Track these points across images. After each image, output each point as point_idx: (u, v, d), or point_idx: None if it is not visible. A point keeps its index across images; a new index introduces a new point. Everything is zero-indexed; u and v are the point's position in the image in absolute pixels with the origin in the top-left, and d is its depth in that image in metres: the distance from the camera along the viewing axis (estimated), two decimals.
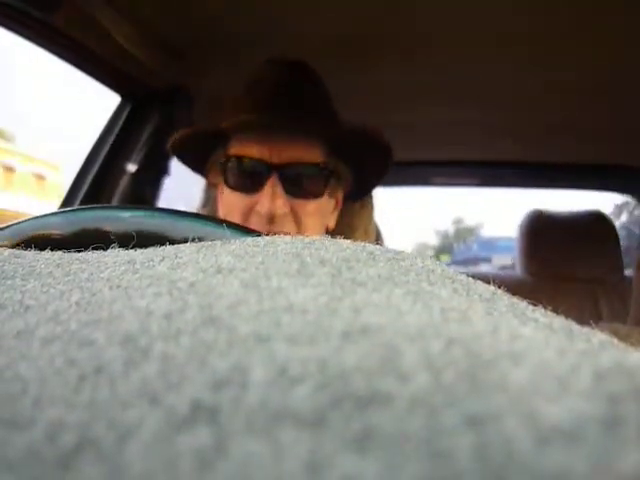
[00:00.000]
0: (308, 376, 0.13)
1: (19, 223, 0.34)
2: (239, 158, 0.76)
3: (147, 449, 0.11)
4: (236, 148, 0.77)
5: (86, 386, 0.14)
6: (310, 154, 0.76)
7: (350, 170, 0.83)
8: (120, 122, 1.21)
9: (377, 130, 0.78)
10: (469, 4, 0.89)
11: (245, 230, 0.32)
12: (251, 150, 0.75)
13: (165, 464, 0.11)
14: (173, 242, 0.28)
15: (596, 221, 1.50)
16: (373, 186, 0.89)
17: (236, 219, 0.75)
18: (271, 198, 0.72)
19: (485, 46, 1.03)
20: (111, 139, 1.20)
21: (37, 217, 0.34)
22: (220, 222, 0.32)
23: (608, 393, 0.12)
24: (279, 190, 0.73)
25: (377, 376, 0.12)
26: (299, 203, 0.75)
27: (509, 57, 1.08)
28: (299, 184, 0.75)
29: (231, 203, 0.77)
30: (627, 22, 0.91)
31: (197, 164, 0.87)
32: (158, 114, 1.23)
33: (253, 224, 0.74)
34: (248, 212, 0.75)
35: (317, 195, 0.77)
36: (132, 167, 1.20)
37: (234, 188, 0.77)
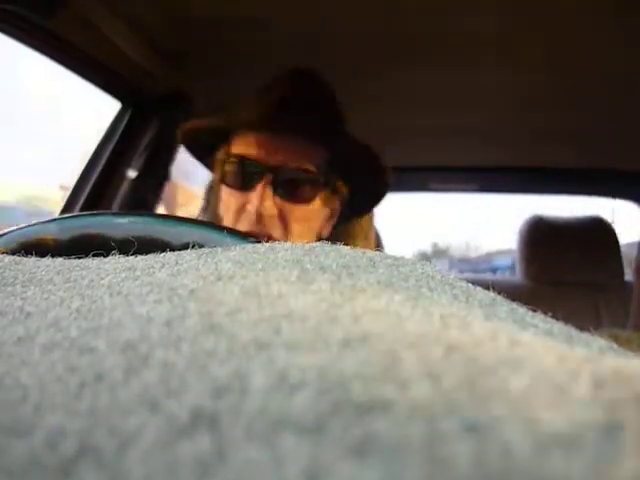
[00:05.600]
0: (308, 383, 0.13)
1: (13, 231, 0.34)
2: (237, 157, 0.78)
3: (147, 456, 0.11)
4: (236, 147, 0.79)
5: (86, 393, 0.14)
6: (307, 160, 0.77)
7: (347, 186, 0.83)
8: (120, 128, 1.21)
9: (376, 153, 0.78)
10: (469, 11, 0.90)
11: (245, 236, 0.32)
12: (250, 150, 0.77)
13: (165, 471, 0.11)
14: (173, 248, 0.28)
15: (596, 226, 1.50)
16: (369, 207, 0.89)
17: (229, 216, 0.77)
18: (261, 198, 0.74)
19: (484, 52, 1.04)
20: (111, 145, 1.20)
21: (33, 224, 0.34)
22: (220, 228, 0.32)
23: (607, 400, 0.12)
24: (269, 191, 0.75)
25: (377, 383, 0.12)
26: (288, 206, 0.76)
27: (508, 63, 1.08)
28: (289, 188, 0.76)
29: (226, 200, 0.79)
30: (624, 25, 0.91)
31: (204, 158, 0.89)
32: (158, 120, 1.23)
33: (242, 223, 0.76)
34: (240, 210, 0.77)
35: (306, 201, 0.78)
36: (132, 173, 1.20)
37: (229, 185, 0.79)
